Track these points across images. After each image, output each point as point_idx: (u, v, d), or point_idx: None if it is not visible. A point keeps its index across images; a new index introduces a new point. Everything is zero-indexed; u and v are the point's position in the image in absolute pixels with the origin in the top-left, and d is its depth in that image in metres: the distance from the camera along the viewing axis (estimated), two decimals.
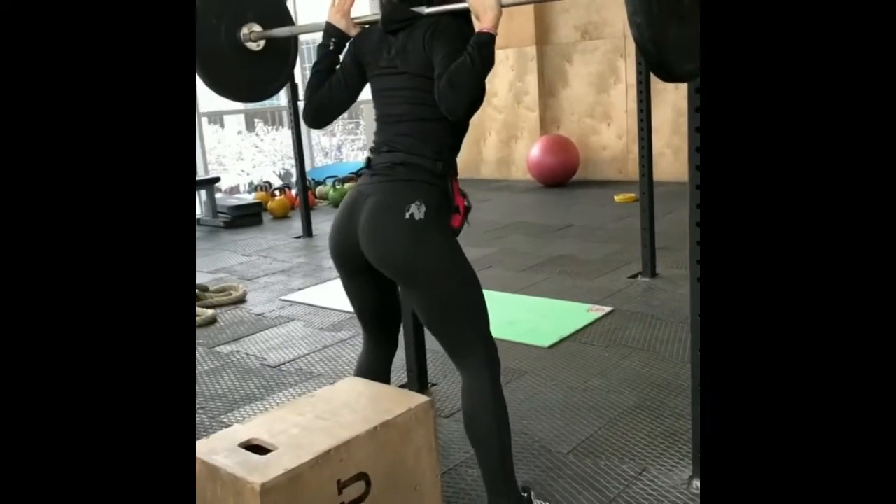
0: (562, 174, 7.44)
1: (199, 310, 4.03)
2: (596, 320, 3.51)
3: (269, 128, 9.37)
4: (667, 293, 3.84)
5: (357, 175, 1.99)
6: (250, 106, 8.60)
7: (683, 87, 1.95)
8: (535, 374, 2.93)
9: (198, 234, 6.58)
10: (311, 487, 1.50)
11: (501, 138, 8.28)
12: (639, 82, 4.01)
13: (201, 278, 4.80)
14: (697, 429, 2.07)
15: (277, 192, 7.42)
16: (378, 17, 1.94)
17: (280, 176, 8.66)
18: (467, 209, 1.88)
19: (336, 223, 1.91)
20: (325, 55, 2.01)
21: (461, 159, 1.97)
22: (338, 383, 1.95)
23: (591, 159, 7.74)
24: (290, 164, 9.15)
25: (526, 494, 1.90)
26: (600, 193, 6.87)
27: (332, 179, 7.67)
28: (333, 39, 2.01)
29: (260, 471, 1.46)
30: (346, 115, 9.54)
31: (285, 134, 9.16)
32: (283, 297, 4.31)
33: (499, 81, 8.01)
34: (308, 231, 6.03)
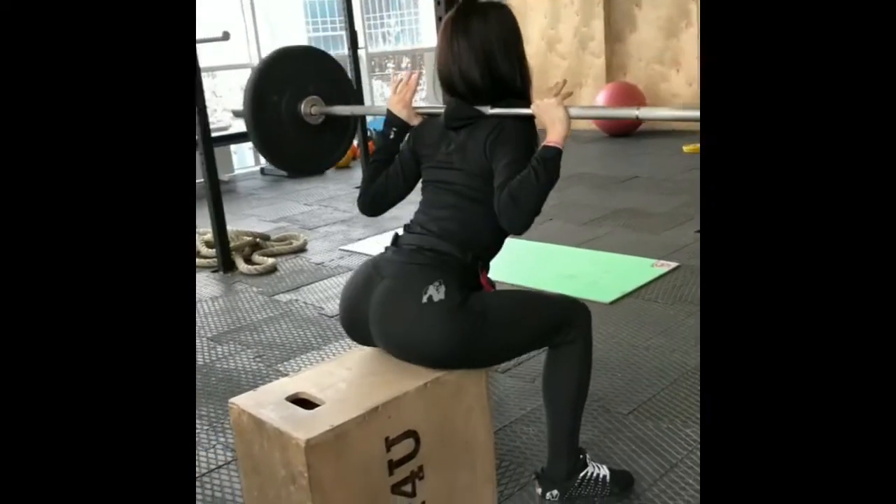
0: (628, 123, 7.19)
1: (259, 258, 4.06)
2: (660, 276, 3.39)
3: None
4: None
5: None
6: None
7: None
8: (594, 331, 2.79)
9: (261, 183, 6.64)
10: (358, 444, 1.47)
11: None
12: None
13: (262, 227, 4.83)
14: None
15: None
16: (439, 109, 1.87)
17: None
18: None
19: (345, 298, 1.77)
20: (385, 145, 1.94)
21: None
22: None
23: (660, 108, 7.46)
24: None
25: (582, 457, 1.84)
26: (668, 143, 6.62)
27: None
28: (395, 129, 1.94)
29: (306, 426, 1.43)
30: (408, 62, 9.45)
31: None
32: (342, 247, 4.30)
33: (563, 27, 7.75)
34: None
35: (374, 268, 1.73)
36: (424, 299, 1.59)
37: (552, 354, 1.79)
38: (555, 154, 1.62)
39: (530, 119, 1.75)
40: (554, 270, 3.56)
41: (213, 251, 4.05)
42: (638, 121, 1.83)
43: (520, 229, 1.61)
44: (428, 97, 6.87)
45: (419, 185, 1.90)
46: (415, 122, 1.96)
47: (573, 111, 1.71)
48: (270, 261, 4.01)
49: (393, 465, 1.54)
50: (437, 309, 1.59)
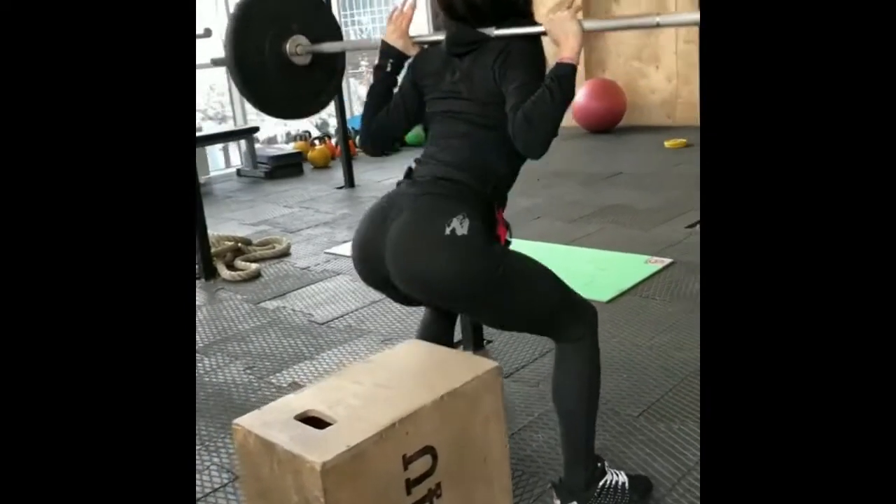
0: (608, 120, 7.17)
1: (242, 264, 3.95)
2: (656, 272, 3.34)
3: None
4: None
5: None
6: None
7: None
8: None
9: (238, 185, 6.50)
10: (376, 464, 1.38)
11: None
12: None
13: (243, 231, 4.71)
14: None
15: (317, 142, 7.27)
16: (439, 37, 1.76)
17: (317, 126, 8.52)
18: (507, 243, 1.69)
19: (359, 236, 1.68)
20: (382, 77, 1.85)
21: None
22: (396, 347, 1.82)
23: (639, 104, 7.45)
24: (326, 114, 8.97)
25: (600, 465, 1.77)
26: (649, 139, 6.60)
27: None
28: (391, 60, 1.85)
29: (320, 448, 1.34)
30: None
31: None
32: (327, 251, 4.20)
33: None
34: (350, 181, 5.90)
35: (389, 203, 1.65)
36: (447, 231, 1.52)
37: (560, 355, 1.72)
38: (569, 71, 1.54)
39: (537, 40, 1.66)
40: None
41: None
42: (658, 27, 1.72)
43: (537, 152, 1.54)
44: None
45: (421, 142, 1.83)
46: (412, 52, 1.85)
47: (587, 24, 1.62)
48: (254, 266, 3.90)
49: (410, 484, 1.45)
50: (461, 242, 1.53)
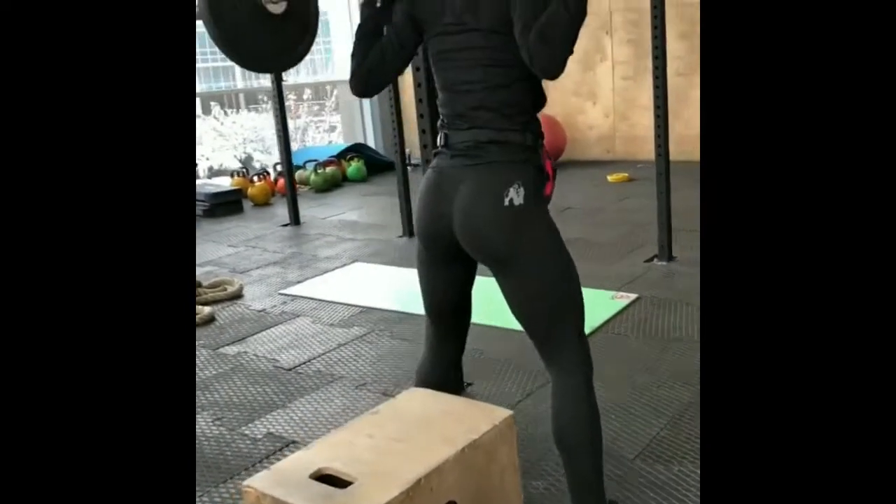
0: (551, 154, 7.23)
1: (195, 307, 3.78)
2: (624, 309, 3.34)
3: (229, 111, 9.02)
4: (689, 277, 3.67)
5: (435, 154, 1.73)
6: (204, 89, 8.26)
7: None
8: None
9: None
10: None
11: None
12: (654, 57, 3.82)
13: None
14: None
15: (257, 178, 7.09)
16: None
17: (241, 161, 8.34)
18: (555, 171, 1.72)
19: (423, 205, 1.71)
20: (371, 15, 1.72)
21: None
22: (399, 397, 1.74)
23: (578, 139, 7.56)
24: (251, 149, 8.79)
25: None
26: (591, 174, 6.70)
27: (312, 164, 7.36)
28: None
29: None
30: (310, 94, 9.20)
31: (245, 117, 8.85)
32: (282, 291, 4.06)
33: None
34: (296, 219, 5.76)
35: (441, 174, 1.67)
36: (506, 202, 1.59)
37: (555, 391, 1.68)
38: None
39: None
40: None
41: None
42: None
43: (556, 72, 1.48)
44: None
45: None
46: None
47: None
48: (207, 310, 3.73)
49: None
50: (519, 210, 1.60)
